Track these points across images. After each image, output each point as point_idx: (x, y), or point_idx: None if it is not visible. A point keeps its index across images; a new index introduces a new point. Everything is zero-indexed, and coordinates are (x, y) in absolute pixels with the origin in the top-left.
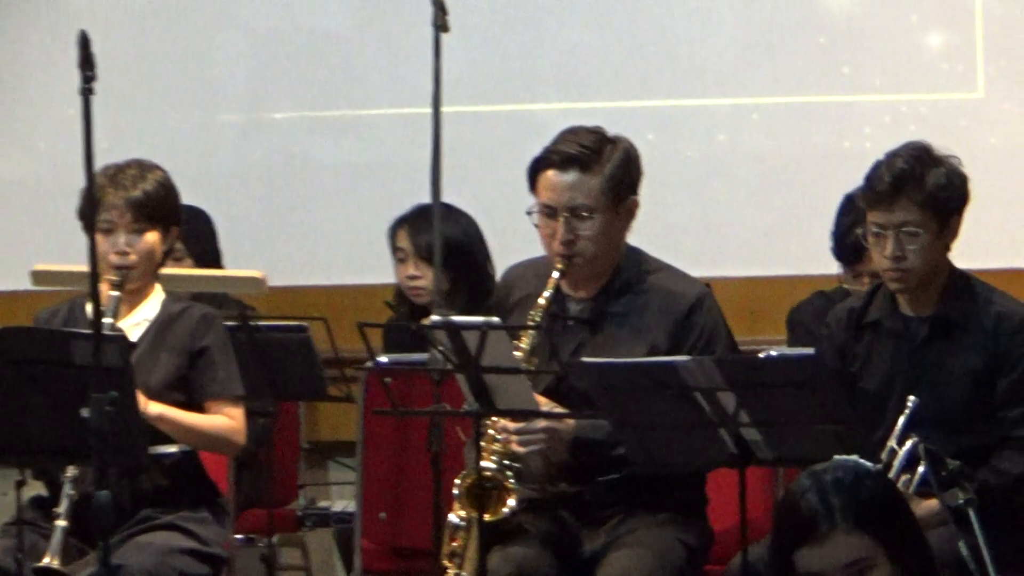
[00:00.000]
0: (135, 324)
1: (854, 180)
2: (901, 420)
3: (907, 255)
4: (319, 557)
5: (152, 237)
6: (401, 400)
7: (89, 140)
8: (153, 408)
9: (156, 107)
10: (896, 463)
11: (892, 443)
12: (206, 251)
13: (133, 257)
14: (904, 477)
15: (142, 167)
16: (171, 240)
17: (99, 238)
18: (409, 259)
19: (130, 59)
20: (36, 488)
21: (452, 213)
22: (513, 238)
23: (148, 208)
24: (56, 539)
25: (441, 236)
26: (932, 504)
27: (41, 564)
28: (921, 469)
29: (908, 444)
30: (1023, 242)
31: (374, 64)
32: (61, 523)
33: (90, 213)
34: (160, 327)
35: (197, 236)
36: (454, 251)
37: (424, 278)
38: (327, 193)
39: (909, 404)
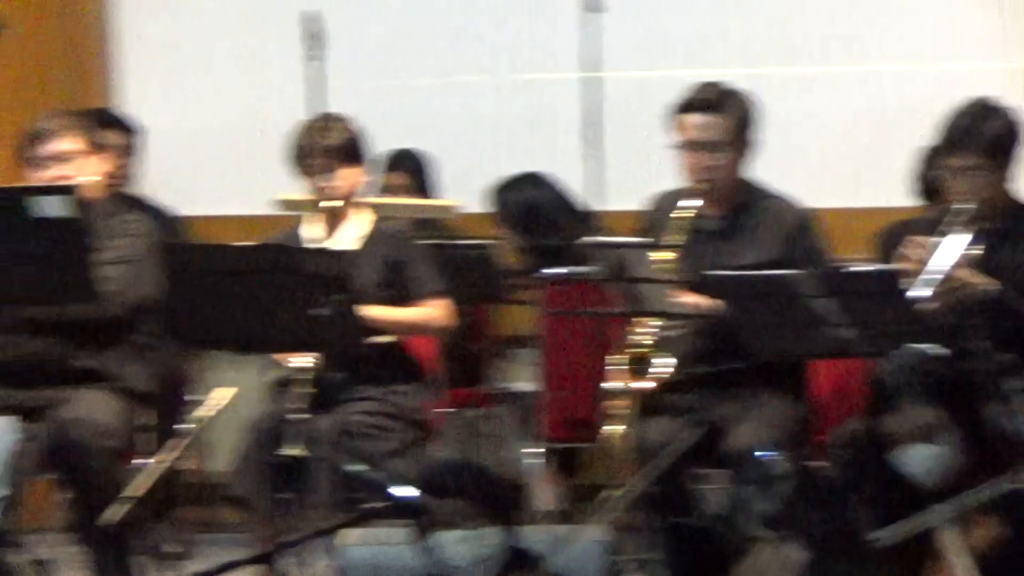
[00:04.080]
0: (351, 239)
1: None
2: None
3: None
4: (511, 426)
5: (353, 173)
6: (568, 303)
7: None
8: (370, 312)
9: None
10: None
11: None
12: (427, 186)
13: (343, 189)
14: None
15: (328, 119)
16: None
17: (312, 178)
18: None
19: None
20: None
21: (538, 180)
22: None
23: (346, 151)
24: (295, 429)
25: (523, 201)
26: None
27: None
28: None
29: None
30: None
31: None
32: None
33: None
34: (371, 241)
35: (422, 174)
36: (530, 214)
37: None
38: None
39: None
